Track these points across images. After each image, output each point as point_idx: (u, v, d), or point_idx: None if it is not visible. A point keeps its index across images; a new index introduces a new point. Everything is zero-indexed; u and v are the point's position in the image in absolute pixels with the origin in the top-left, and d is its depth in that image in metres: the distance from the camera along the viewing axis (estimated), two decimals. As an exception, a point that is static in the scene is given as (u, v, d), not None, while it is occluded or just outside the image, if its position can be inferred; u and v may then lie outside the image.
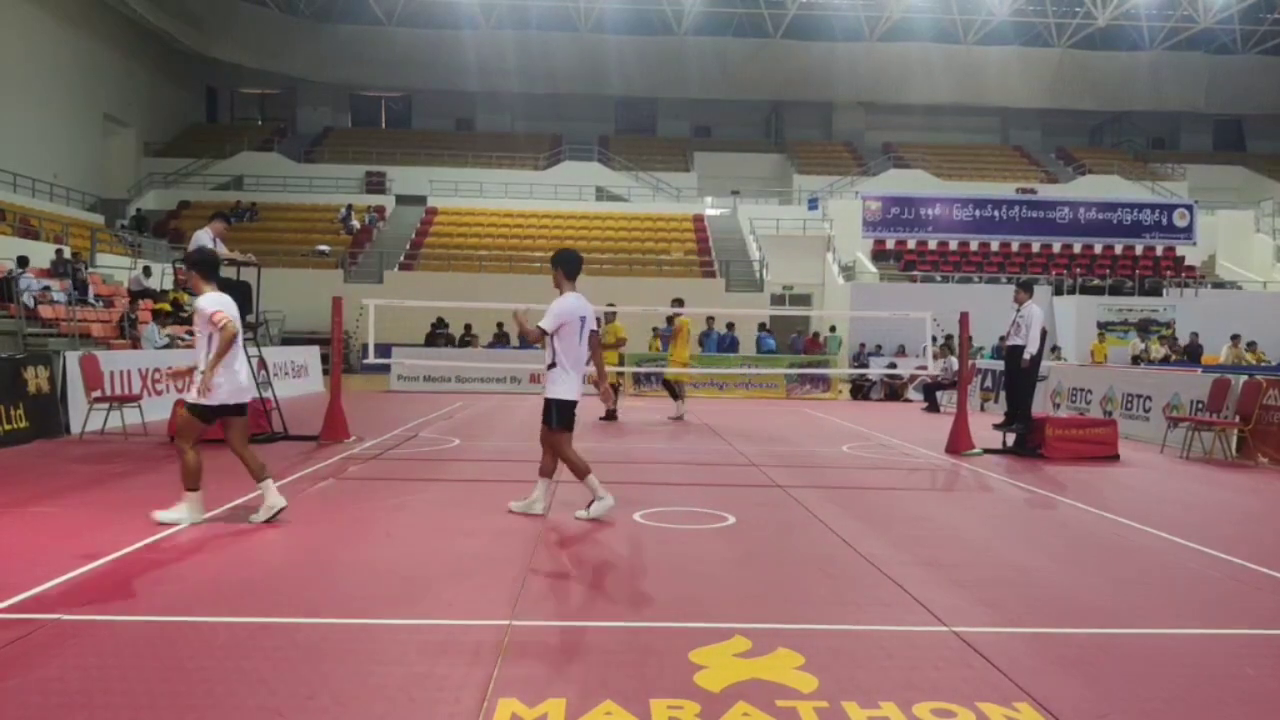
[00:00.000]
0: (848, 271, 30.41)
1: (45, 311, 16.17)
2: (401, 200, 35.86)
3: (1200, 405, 11.37)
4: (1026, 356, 10.75)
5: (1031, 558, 5.73)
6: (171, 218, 32.72)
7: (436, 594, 4.62)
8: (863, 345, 25.61)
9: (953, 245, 31.59)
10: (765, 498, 7.64)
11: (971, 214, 31.43)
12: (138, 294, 19.42)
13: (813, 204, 34.45)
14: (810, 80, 41.74)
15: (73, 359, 11.00)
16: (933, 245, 31.47)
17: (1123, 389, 13.40)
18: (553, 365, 6.47)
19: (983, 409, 16.79)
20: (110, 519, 6.17)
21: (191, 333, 18.59)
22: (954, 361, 15.16)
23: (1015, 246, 31.77)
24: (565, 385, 6.45)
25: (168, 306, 18.13)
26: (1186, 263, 31.81)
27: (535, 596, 4.62)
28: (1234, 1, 37.94)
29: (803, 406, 18.26)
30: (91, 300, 18.13)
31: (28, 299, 15.75)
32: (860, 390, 21.28)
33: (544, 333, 6.40)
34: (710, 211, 36.18)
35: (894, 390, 20.72)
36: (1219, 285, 31.39)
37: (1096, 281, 29.45)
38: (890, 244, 31.46)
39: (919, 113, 43.66)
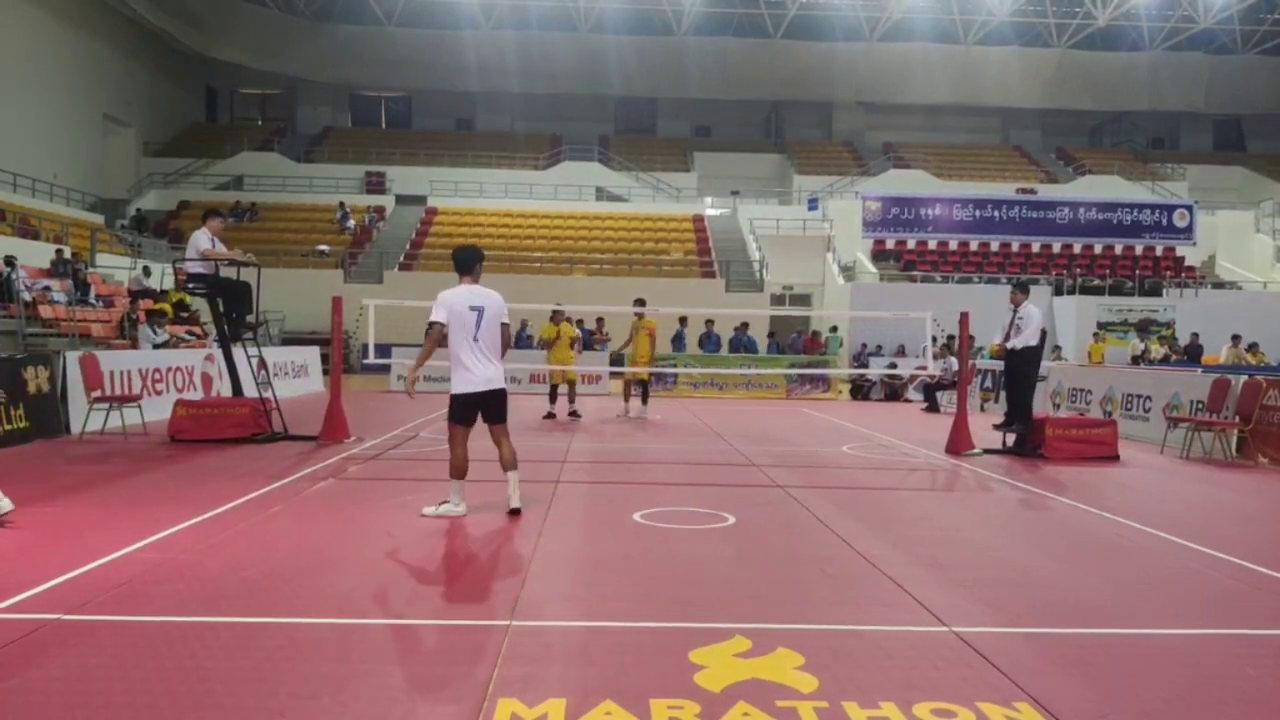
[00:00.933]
0: (848, 271, 30.42)
1: (45, 311, 16.17)
2: (401, 200, 35.87)
3: (1200, 405, 11.37)
4: (1016, 345, 10.66)
5: (1031, 558, 5.73)
6: (171, 218, 32.73)
7: (436, 594, 4.62)
8: (863, 345, 25.62)
9: (953, 245, 31.60)
10: (765, 498, 7.64)
11: (971, 214, 31.44)
12: (137, 294, 19.43)
13: (813, 204, 34.45)
14: (810, 80, 41.74)
15: (73, 359, 11.00)
16: (933, 245, 31.48)
17: (1123, 389, 13.40)
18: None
19: (983, 409, 16.80)
20: (110, 519, 6.17)
21: (192, 333, 18.55)
22: (954, 361, 15.15)
23: (1015, 246, 31.78)
24: (454, 378, 6.45)
25: (167, 307, 18.14)
26: (1186, 263, 31.82)
27: (535, 596, 4.61)
28: (1234, 1, 37.95)
29: (802, 406, 18.26)
30: (92, 300, 18.14)
31: (26, 296, 15.75)
32: (860, 390, 21.28)
33: (430, 325, 6.35)
34: (710, 211, 36.19)
35: (894, 390, 20.72)
36: (1219, 285, 31.40)
37: (1096, 282, 29.46)
38: (890, 244, 31.47)
39: (919, 113, 43.68)
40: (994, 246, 31.72)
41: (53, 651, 3.69)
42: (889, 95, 42.41)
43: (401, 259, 30.75)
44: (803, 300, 31.33)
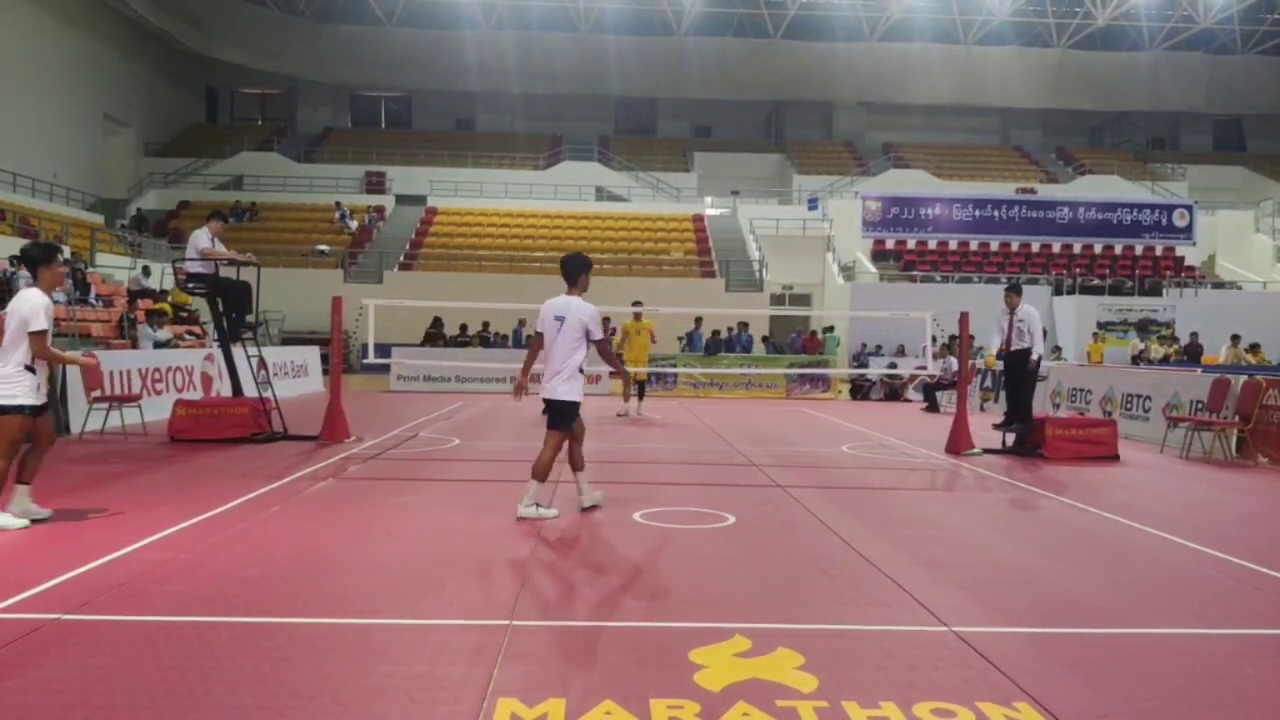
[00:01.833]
0: (848, 271, 30.41)
1: (45, 311, 16.14)
2: (401, 200, 35.88)
3: (1200, 405, 11.37)
4: (1035, 357, 10.73)
5: (1031, 558, 5.73)
6: (171, 218, 32.74)
7: (436, 594, 4.62)
8: (863, 345, 25.61)
9: (953, 245, 31.59)
10: (765, 498, 7.64)
11: (971, 214, 31.43)
12: (137, 294, 19.42)
13: (813, 204, 34.44)
14: (810, 80, 41.74)
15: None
16: (933, 245, 31.47)
17: (1122, 389, 13.40)
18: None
19: (983, 409, 16.80)
20: (110, 519, 6.18)
21: (192, 332, 18.55)
22: (954, 361, 15.16)
23: (1015, 246, 31.77)
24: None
25: (166, 307, 18.14)
26: (1186, 263, 31.81)
27: (535, 596, 4.62)
28: (1234, 1, 37.95)
29: (802, 406, 18.26)
30: (92, 300, 18.13)
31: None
32: (860, 390, 21.28)
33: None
34: (710, 211, 36.19)
35: (894, 390, 20.72)
36: (1219, 285, 31.40)
37: (1096, 281, 29.44)
38: (890, 244, 31.46)
39: (919, 113, 43.67)
40: (994, 246, 31.71)
41: (53, 651, 3.69)
42: (889, 95, 42.40)
43: (401, 259, 30.76)
44: (803, 300, 31.32)
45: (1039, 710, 3.29)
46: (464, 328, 23.94)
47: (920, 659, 3.80)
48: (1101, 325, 26.84)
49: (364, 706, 3.23)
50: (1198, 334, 24.02)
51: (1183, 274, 30.94)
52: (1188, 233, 31.65)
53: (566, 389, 6.49)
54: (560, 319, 6.51)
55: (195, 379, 14.06)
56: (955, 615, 4.38)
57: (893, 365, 22.29)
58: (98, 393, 10.79)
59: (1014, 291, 11.02)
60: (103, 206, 32.87)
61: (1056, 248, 31.71)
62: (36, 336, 5.84)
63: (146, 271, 21.63)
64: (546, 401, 6.59)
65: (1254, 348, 22.17)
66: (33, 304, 5.85)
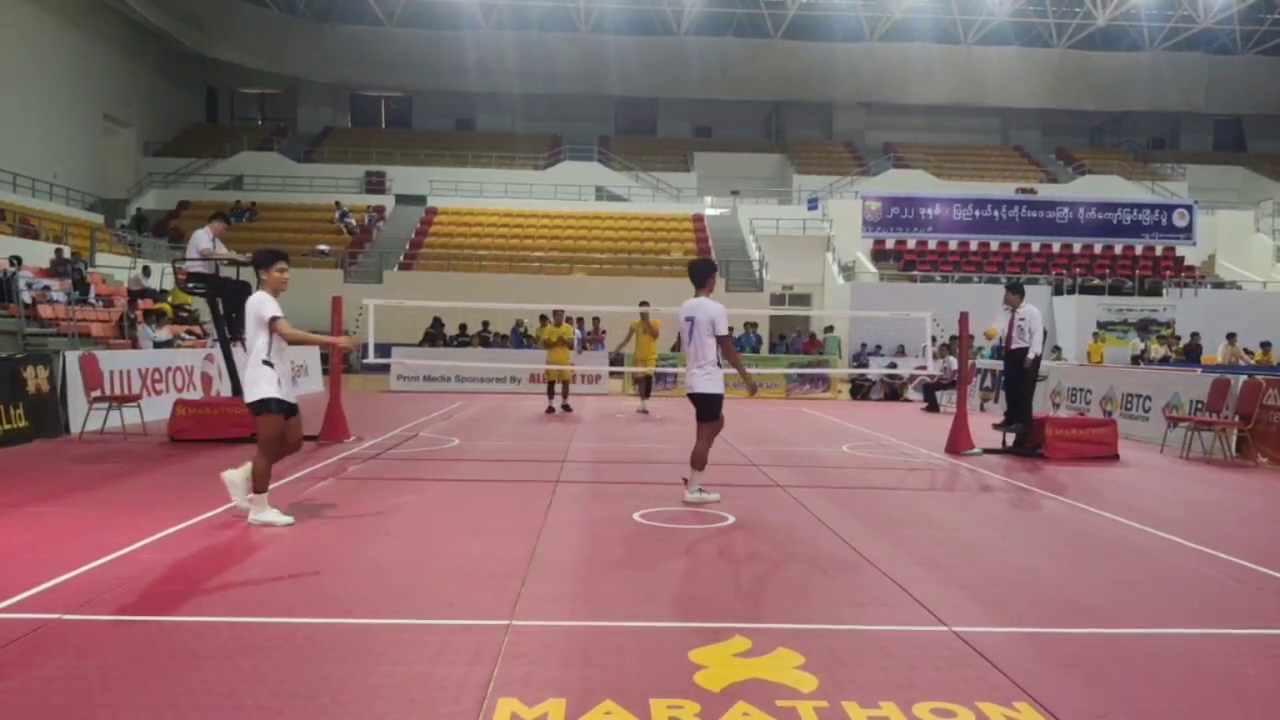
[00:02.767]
0: (848, 271, 30.40)
1: (45, 311, 16.16)
2: (401, 200, 35.85)
3: (1200, 405, 11.37)
4: (1031, 357, 10.73)
5: (1031, 558, 5.73)
6: (171, 218, 32.72)
7: (436, 594, 4.62)
8: (863, 345, 25.60)
9: (953, 245, 31.57)
10: (765, 498, 7.64)
11: (971, 214, 31.40)
12: (137, 294, 19.42)
13: (813, 204, 34.42)
14: (810, 80, 41.72)
15: (72, 359, 11.00)
16: (933, 245, 31.45)
17: (1122, 389, 13.40)
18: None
19: (983, 409, 16.80)
20: (110, 519, 6.17)
21: (192, 332, 18.57)
22: (954, 361, 15.15)
23: (1015, 246, 31.76)
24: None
25: (166, 307, 18.13)
26: (1186, 263, 31.80)
27: (535, 596, 4.61)
28: (1234, 1, 37.93)
29: (802, 406, 18.26)
30: (92, 300, 18.13)
31: (26, 297, 15.73)
32: (860, 390, 21.27)
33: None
34: (710, 211, 36.16)
35: (894, 390, 20.72)
36: (1219, 285, 31.39)
37: (1096, 281, 29.43)
38: (890, 244, 31.44)
39: (919, 113, 43.64)
40: (994, 246, 31.70)
41: (53, 651, 3.69)
42: (889, 95, 42.38)
43: (401, 259, 30.74)
44: (803, 300, 31.31)
45: (1039, 710, 3.29)
46: (464, 328, 23.94)
47: (920, 659, 3.80)
48: (1101, 325, 26.83)
49: (364, 706, 3.23)
50: (1198, 334, 24.02)
51: (1183, 274, 30.92)
52: (1188, 233, 31.63)
53: (706, 383, 7.08)
54: (690, 319, 7.11)
55: (195, 379, 14.05)
56: (955, 615, 4.38)
57: (893, 365, 22.29)
58: (98, 392, 10.80)
59: (1012, 291, 11.01)
60: (103, 206, 32.85)
61: (1056, 248, 31.69)
62: (276, 323, 6.05)
63: (147, 271, 21.62)
64: (690, 395, 7.15)
65: (1265, 346, 22.16)
66: (258, 297, 6.14)
